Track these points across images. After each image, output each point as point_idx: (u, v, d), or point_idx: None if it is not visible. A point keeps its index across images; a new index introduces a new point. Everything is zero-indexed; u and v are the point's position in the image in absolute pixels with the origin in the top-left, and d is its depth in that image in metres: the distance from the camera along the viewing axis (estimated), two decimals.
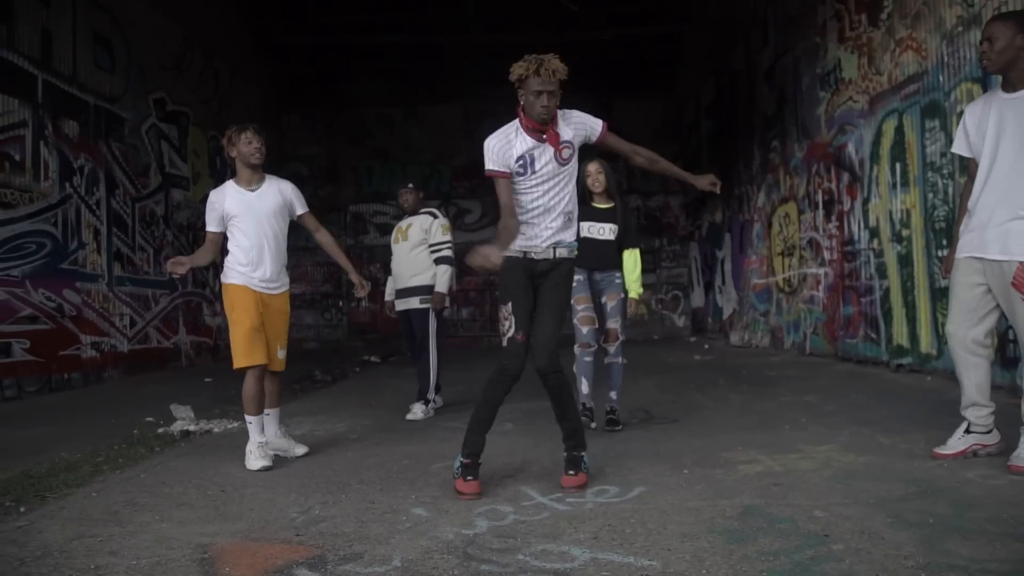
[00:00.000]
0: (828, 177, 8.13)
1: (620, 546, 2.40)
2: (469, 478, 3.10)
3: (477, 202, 15.28)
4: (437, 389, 5.54)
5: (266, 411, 4.02)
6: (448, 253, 5.47)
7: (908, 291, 6.41)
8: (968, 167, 3.42)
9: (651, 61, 14.59)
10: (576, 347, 4.56)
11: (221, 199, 3.97)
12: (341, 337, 15.18)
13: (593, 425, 4.48)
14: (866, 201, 7.22)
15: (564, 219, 3.17)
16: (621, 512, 2.78)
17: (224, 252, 4.04)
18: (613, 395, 4.59)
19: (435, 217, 5.52)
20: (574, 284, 4.06)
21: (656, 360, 9.51)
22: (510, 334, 3.10)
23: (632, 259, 4.67)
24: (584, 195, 4.53)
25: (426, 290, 5.41)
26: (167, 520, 2.93)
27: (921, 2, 6.08)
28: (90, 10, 8.35)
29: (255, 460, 3.79)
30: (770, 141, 9.94)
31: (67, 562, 2.45)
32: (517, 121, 3.12)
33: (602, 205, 4.66)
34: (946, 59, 5.77)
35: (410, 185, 5.57)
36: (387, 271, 5.78)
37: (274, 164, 15.82)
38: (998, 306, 3.23)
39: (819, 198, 8.38)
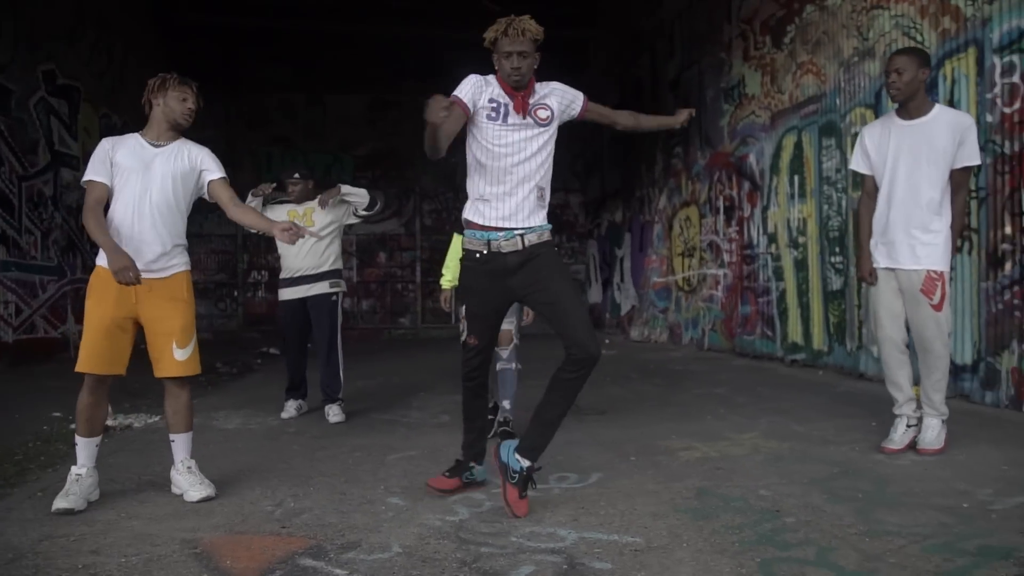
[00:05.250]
0: (729, 184, 8.73)
1: (601, 526, 2.62)
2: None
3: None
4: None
5: (171, 436, 3.24)
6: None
7: (803, 293, 7.05)
8: (864, 183, 3.80)
9: (557, 65, 14.91)
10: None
11: (114, 145, 3.19)
12: (236, 328, 14.73)
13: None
14: (765, 209, 7.83)
15: (538, 194, 2.96)
16: (588, 496, 3.01)
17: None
18: (506, 404, 4.18)
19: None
20: None
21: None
22: (463, 337, 3.04)
23: None
24: None
25: (335, 274, 5.31)
26: (135, 517, 2.88)
27: (821, 31, 6.69)
28: None
29: (58, 498, 2.97)
30: (673, 147, 10.51)
31: (48, 563, 2.39)
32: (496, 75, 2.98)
33: None
34: (843, 85, 6.38)
35: (296, 175, 5.41)
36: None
37: None
38: None
39: (720, 204, 8.99)
